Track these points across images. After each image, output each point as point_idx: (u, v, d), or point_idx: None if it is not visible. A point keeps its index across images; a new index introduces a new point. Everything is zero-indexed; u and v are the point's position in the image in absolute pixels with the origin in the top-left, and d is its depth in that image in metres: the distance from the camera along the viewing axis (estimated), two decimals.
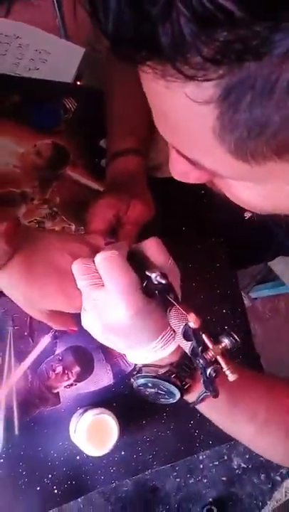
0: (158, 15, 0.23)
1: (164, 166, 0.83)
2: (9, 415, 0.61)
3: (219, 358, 0.40)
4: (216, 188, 0.46)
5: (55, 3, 1.55)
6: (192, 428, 0.70)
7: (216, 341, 0.41)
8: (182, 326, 0.42)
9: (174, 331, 0.48)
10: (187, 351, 0.46)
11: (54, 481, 0.60)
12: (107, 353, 0.69)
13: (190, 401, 0.56)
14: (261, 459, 0.73)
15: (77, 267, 0.48)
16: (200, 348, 0.42)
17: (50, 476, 0.61)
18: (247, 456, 0.73)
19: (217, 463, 0.71)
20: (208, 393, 0.49)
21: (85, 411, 0.60)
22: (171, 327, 0.49)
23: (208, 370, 0.45)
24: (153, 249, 0.51)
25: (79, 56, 1.08)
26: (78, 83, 1.06)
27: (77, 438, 0.58)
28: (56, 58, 1.03)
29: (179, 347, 0.51)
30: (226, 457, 0.72)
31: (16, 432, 0.60)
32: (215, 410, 0.57)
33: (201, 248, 0.81)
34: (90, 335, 0.70)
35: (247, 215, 0.57)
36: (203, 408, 0.57)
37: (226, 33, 0.22)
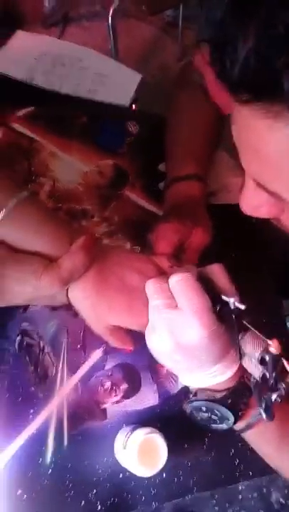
0: (284, 65, 0.27)
1: (219, 193, 0.85)
2: (59, 426, 0.61)
3: None
4: (281, 223, 0.47)
5: (110, 29, 1.62)
6: (233, 457, 0.70)
7: None
8: (260, 352, 0.43)
9: (241, 356, 0.49)
10: (256, 376, 0.47)
11: (98, 497, 0.60)
12: (154, 372, 0.70)
13: (237, 428, 0.55)
14: None
15: (152, 286, 0.49)
16: (273, 374, 0.43)
17: (94, 491, 0.61)
18: (286, 492, 0.71)
19: (256, 495, 0.70)
20: (262, 418, 0.49)
21: (134, 429, 0.60)
22: (234, 353, 0.49)
23: (274, 396, 0.46)
24: (219, 274, 0.52)
25: (136, 81, 1.12)
26: (134, 107, 1.10)
27: (126, 456, 0.58)
28: (114, 82, 1.07)
29: (236, 373, 0.51)
30: (265, 490, 0.71)
31: (65, 443, 0.61)
32: (263, 441, 0.57)
33: (249, 275, 0.81)
34: (139, 353, 0.71)
35: None
36: (250, 438, 0.56)
37: None
